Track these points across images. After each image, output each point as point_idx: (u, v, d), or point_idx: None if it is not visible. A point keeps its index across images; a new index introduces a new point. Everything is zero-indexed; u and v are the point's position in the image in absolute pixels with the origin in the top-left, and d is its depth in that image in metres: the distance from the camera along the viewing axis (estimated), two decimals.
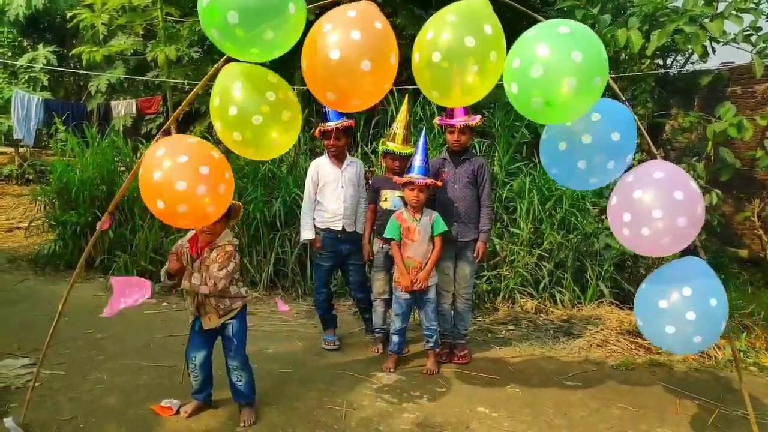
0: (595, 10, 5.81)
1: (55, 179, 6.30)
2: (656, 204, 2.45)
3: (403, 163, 3.90)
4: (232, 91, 2.49)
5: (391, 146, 3.98)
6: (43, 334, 2.99)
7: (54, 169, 6.43)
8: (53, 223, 6.26)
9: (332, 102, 2.52)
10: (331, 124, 3.96)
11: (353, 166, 4.14)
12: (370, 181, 4.29)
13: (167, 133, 2.75)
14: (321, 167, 4.09)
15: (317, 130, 4.07)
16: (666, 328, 2.56)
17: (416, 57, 2.46)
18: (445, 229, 3.67)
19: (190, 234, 3.02)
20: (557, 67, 2.23)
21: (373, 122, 6.29)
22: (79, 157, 6.44)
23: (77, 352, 3.85)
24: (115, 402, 3.18)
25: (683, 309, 2.52)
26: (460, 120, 3.73)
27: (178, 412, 3.07)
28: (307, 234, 4.07)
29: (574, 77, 2.21)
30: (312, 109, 6.15)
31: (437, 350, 3.84)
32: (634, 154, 2.80)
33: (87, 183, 6.04)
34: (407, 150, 3.94)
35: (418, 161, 3.61)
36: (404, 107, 4.03)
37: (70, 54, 9.93)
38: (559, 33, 2.30)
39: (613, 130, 2.57)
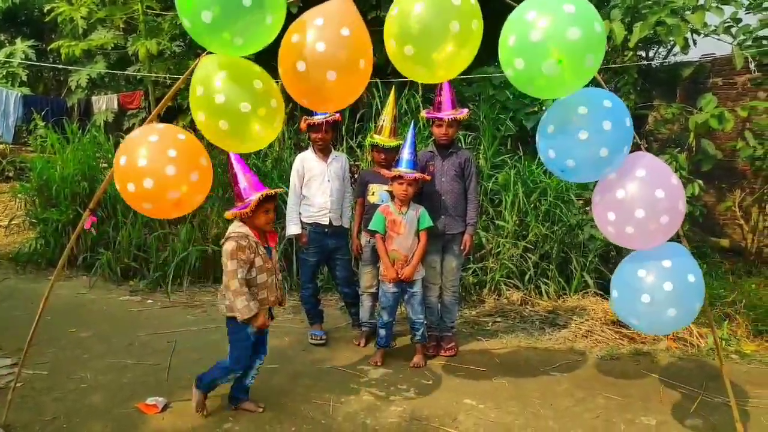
0: None
1: (36, 176, 6.21)
2: (639, 204, 2.45)
3: (390, 155, 3.89)
4: (215, 79, 2.41)
5: (378, 139, 3.97)
6: (25, 333, 2.94)
7: (34, 166, 6.34)
8: (34, 220, 6.17)
9: (308, 105, 2.57)
10: (319, 118, 3.93)
11: (338, 160, 4.12)
12: (356, 176, 4.27)
13: None
14: (306, 161, 4.06)
15: (304, 123, 4.03)
16: (642, 297, 2.54)
17: (395, 10, 2.38)
18: (431, 224, 3.66)
19: (242, 230, 2.86)
20: (555, 24, 2.19)
21: (358, 116, 6.27)
22: (60, 154, 6.35)
23: (60, 351, 3.80)
24: (100, 401, 3.15)
25: (661, 279, 2.52)
26: (448, 113, 3.72)
27: (164, 409, 3.05)
28: (293, 229, 4.04)
29: (576, 26, 2.17)
30: (296, 103, 6.10)
31: (424, 343, 3.85)
32: None
33: (68, 180, 5.96)
34: (394, 142, 3.93)
35: (406, 155, 3.59)
36: (391, 100, 4.02)
37: (49, 48, 9.74)
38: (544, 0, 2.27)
39: (625, 116, 2.50)
